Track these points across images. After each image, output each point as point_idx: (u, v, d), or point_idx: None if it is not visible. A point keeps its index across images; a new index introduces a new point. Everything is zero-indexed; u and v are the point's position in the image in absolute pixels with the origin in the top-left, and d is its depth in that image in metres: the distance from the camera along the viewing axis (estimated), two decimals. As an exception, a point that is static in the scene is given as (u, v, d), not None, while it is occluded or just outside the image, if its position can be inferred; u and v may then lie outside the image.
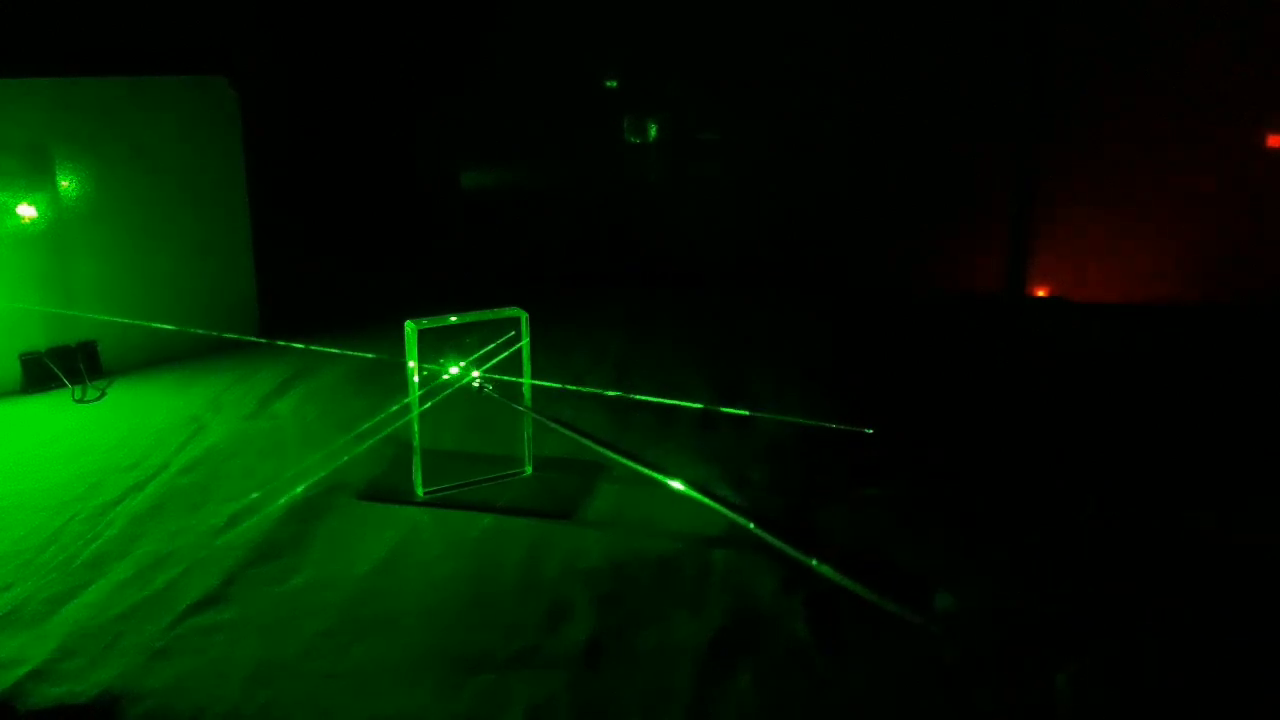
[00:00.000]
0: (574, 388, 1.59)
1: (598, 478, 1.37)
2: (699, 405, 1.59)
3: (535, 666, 0.95)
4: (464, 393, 1.32)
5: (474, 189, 2.84)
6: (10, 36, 1.94)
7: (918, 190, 2.50)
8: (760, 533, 1.14)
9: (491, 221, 2.81)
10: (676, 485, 1.22)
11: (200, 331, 1.79)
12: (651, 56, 2.61)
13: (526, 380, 1.35)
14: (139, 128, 1.80)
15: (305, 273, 2.53)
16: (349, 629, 1.01)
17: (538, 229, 2.78)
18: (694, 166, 2.66)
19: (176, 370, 1.83)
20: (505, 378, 1.34)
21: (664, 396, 1.60)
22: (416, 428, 1.30)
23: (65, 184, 1.73)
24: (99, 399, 1.70)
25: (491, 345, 1.32)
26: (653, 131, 2.65)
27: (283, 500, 1.28)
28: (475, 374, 1.32)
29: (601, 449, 1.30)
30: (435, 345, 1.30)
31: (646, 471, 1.25)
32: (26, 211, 1.69)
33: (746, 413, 1.53)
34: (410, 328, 1.28)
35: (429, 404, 1.30)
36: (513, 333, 1.33)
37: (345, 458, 1.40)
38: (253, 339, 1.90)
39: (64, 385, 1.72)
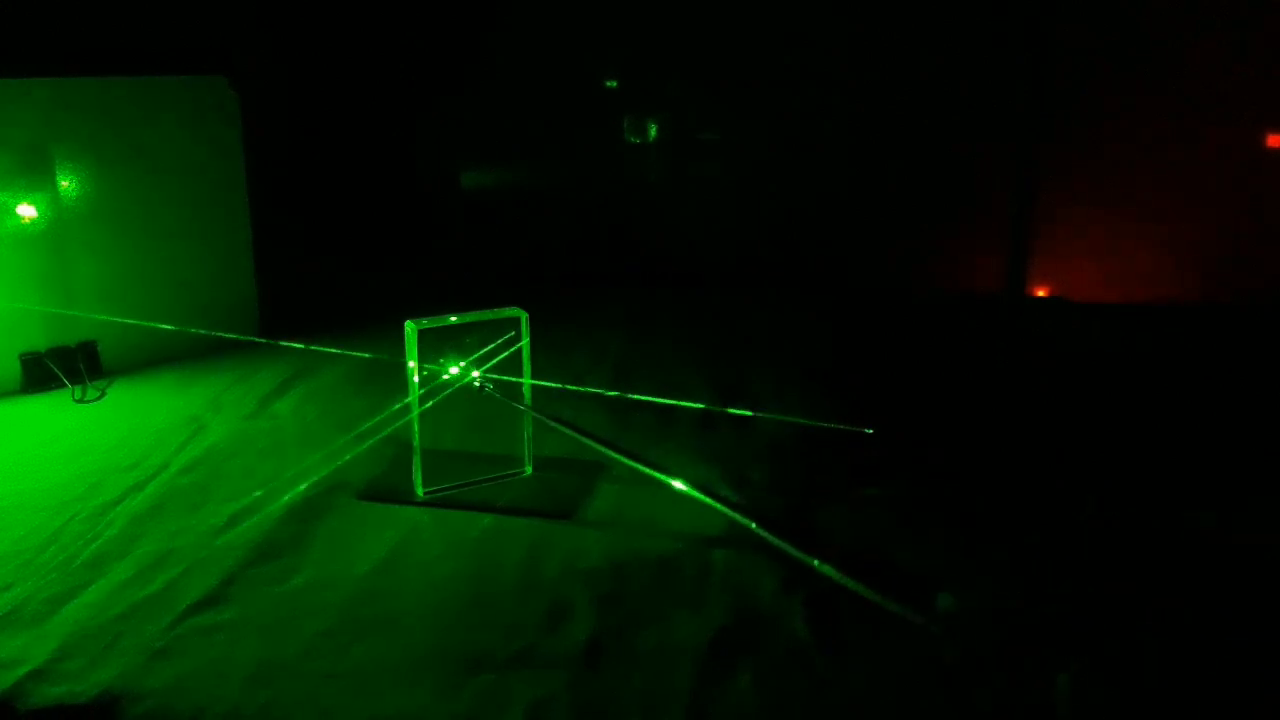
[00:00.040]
0: (574, 388, 1.59)
1: (598, 478, 1.37)
2: (699, 405, 1.59)
3: (535, 666, 0.95)
4: (464, 393, 1.32)
5: (474, 189, 2.84)
6: (10, 36, 1.94)
7: (918, 190, 2.50)
8: (763, 533, 1.14)
9: (491, 221, 2.81)
10: (678, 485, 1.23)
11: (200, 331, 1.79)
12: (651, 56, 2.61)
13: (526, 380, 1.35)
14: (139, 128, 1.80)
15: (305, 273, 2.53)
16: (349, 629, 1.01)
17: (538, 229, 2.78)
18: (694, 166, 2.66)
19: (176, 370, 1.83)
20: (505, 378, 1.34)
21: (664, 396, 1.60)
22: (416, 428, 1.30)
23: (65, 184, 1.73)
24: (99, 399, 1.70)
25: (491, 345, 1.32)
26: (653, 131, 2.65)
27: (283, 500, 1.28)
28: (475, 374, 1.32)
29: (603, 448, 1.30)
30: (435, 345, 1.30)
31: (648, 471, 1.26)
32: (26, 211, 1.69)
33: (749, 413, 1.53)
34: (410, 328, 1.28)
35: (429, 404, 1.30)
36: (513, 333, 1.33)
37: (345, 458, 1.40)
38: (253, 339, 1.90)
39: (64, 385, 1.72)
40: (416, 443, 1.30)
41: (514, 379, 1.34)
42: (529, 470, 1.39)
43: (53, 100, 1.70)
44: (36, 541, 1.19)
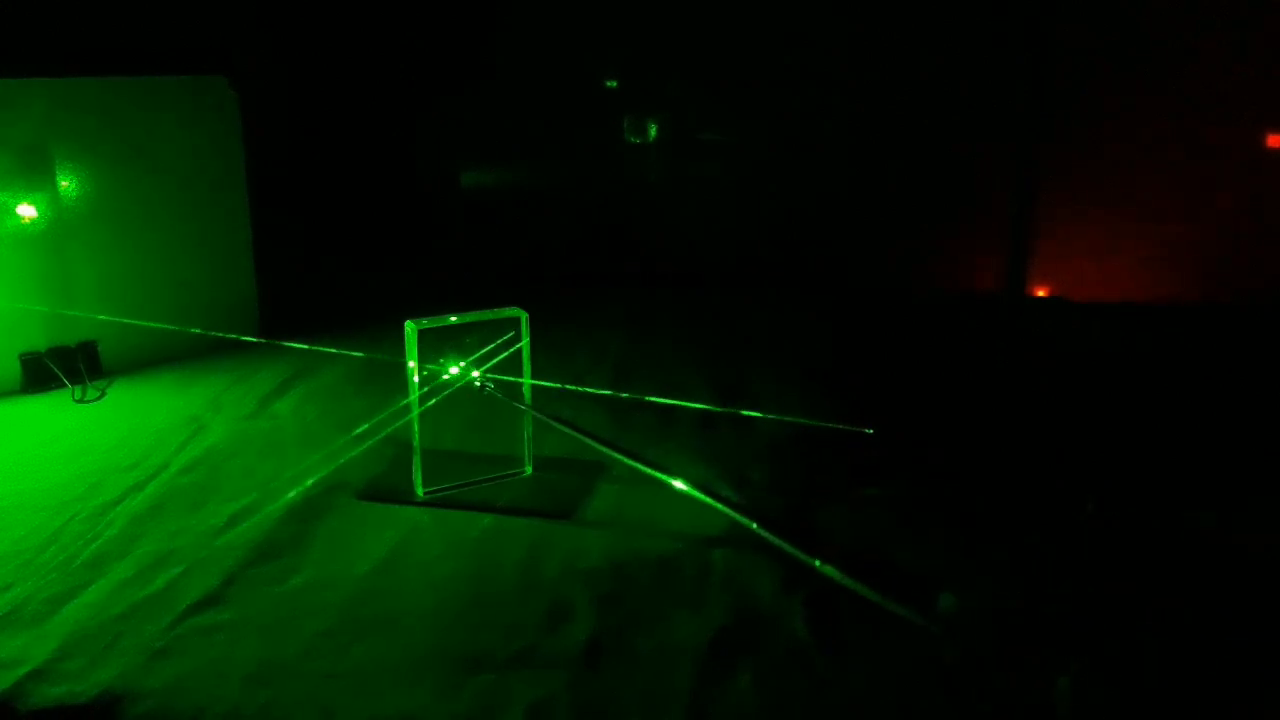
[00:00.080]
0: (574, 388, 1.59)
1: (598, 478, 1.37)
2: (700, 406, 1.59)
3: (535, 666, 0.95)
4: (464, 393, 1.32)
5: (474, 189, 2.83)
6: (10, 36, 1.94)
7: (918, 190, 2.50)
8: (764, 533, 1.14)
9: (491, 221, 2.81)
10: (679, 485, 1.22)
11: (200, 331, 1.79)
12: (651, 56, 2.61)
13: (526, 380, 1.35)
14: (139, 128, 1.80)
15: (305, 273, 2.53)
16: (349, 629, 1.01)
17: (538, 229, 2.78)
18: (694, 166, 2.66)
19: (176, 370, 1.83)
20: (505, 378, 1.34)
21: (664, 396, 1.60)
22: (416, 428, 1.30)
23: (65, 184, 1.73)
24: (99, 399, 1.70)
25: (491, 345, 1.32)
26: (653, 131, 2.65)
27: (283, 500, 1.28)
28: (475, 374, 1.32)
29: (603, 448, 1.30)
30: (435, 345, 1.30)
31: (648, 471, 1.25)
32: (26, 211, 1.69)
33: (756, 414, 1.53)
34: (410, 328, 1.28)
35: (429, 404, 1.30)
36: (513, 333, 1.33)
37: (345, 458, 1.40)
38: (253, 339, 1.90)
39: (64, 385, 1.72)
40: (416, 443, 1.30)
41: (514, 379, 1.34)
42: (529, 470, 1.39)
43: (53, 100, 1.70)
44: (36, 541, 1.19)
